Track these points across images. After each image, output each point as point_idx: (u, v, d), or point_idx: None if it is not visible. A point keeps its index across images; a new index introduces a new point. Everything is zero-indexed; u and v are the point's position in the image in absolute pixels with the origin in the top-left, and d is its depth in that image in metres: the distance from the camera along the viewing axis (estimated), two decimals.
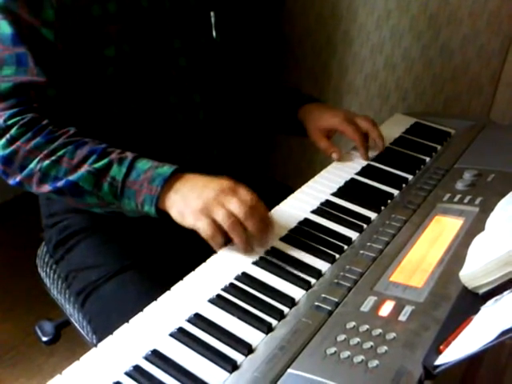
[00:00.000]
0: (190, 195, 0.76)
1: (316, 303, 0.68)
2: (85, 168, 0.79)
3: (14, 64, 0.82)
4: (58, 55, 0.85)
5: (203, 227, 0.74)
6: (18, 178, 0.81)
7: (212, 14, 1.04)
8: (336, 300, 0.68)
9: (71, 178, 0.79)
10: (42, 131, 0.80)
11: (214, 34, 1.06)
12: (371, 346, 0.59)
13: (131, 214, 0.82)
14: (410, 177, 0.99)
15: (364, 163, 1.04)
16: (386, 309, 0.65)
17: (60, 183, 0.79)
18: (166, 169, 0.79)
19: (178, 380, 0.58)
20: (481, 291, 0.63)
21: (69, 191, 0.80)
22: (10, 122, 0.80)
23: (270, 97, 1.17)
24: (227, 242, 0.78)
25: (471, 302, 0.62)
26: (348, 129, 1.04)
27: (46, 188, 0.80)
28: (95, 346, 0.63)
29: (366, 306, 0.66)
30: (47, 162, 0.79)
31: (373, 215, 0.87)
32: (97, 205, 0.82)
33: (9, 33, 0.81)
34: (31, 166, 0.79)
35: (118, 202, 0.79)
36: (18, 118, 0.80)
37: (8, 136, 0.80)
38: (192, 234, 0.80)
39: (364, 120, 1.06)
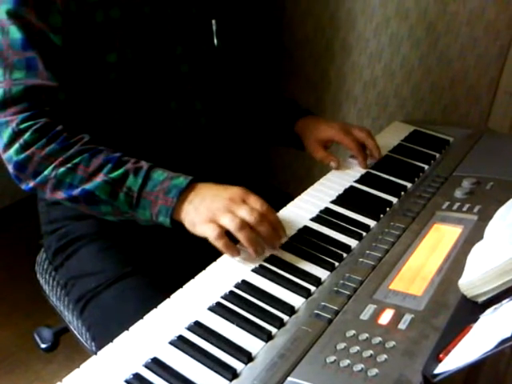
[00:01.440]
0: (202, 205, 0.78)
1: (316, 311, 0.68)
2: (101, 177, 0.79)
3: (24, 68, 0.82)
4: (66, 60, 0.86)
5: (210, 233, 0.75)
6: (30, 184, 0.82)
7: (213, 21, 1.05)
8: (336, 308, 0.68)
9: (87, 186, 0.80)
10: (57, 138, 0.81)
11: (215, 41, 1.06)
12: (371, 355, 0.59)
13: (144, 222, 0.83)
14: (408, 185, 0.99)
15: (363, 171, 1.04)
16: (386, 317, 0.65)
17: (75, 191, 0.80)
18: (182, 180, 0.80)
19: None
20: (480, 300, 0.63)
21: (84, 199, 0.81)
22: (22, 127, 0.80)
23: (268, 109, 1.18)
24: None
25: (470, 310, 0.63)
26: (345, 138, 1.05)
27: (61, 195, 0.81)
28: (94, 353, 0.63)
29: (365, 315, 0.66)
30: (62, 169, 0.80)
31: (372, 223, 0.87)
32: (110, 213, 0.83)
33: (18, 37, 0.82)
34: (46, 172, 0.80)
35: (132, 211, 0.80)
36: (30, 123, 0.80)
37: (21, 141, 0.80)
38: (192, 241, 0.80)
39: (360, 130, 1.07)
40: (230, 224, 0.75)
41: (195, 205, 0.78)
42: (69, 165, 0.80)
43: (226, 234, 0.77)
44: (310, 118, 1.13)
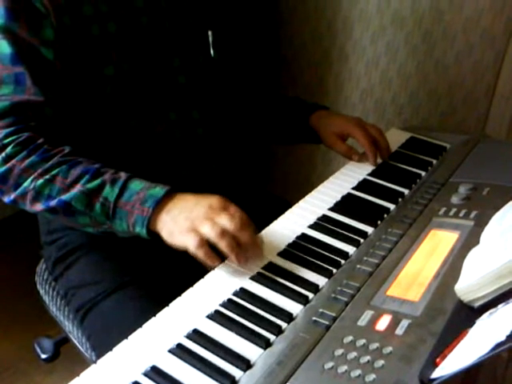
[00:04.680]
0: (180, 215, 0.76)
1: (314, 318, 0.68)
2: (77, 188, 0.79)
3: (13, 83, 0.83)
4: (57, 74, 0.87)
5: (190, 242, 0.74)
6: (12, 196, 0.81)
7: (210, 32, 1.06)
8: (333, 315, 0.68)
9: (64, 197, 0.79)
10: (37, 150, 0.81)
11: (211, 52, 1.07)
12: (368, 361, 0.60)
13: (123, 234, 0.82)
14: (406, 191, 1.00)
15: (360, 178, 1.05)
16: (383, 323, 0.65)
17: (53, 202, 0.79)
18: (159, 190, 0.79)
19: None
20: (476, 304, 0.64)
21: (61, 210, 0.80)
22: (6, 141, 0.80)
23: (276, 108, 1.19)
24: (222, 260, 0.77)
25: (467, 315, 0.63)
26: (359, 134, 1.08)
27: (39, 207, 0.80)
28: (94, 362, 0.64)
29: (363, 321, 0.66)
30: (41, 180, 0.79)
31: (369, 229, 0.88)
32: (89, 225, 0.82)
33: (8, 52, 0.83)
34: (25, 184, 0.80)
35: (109, 222, 0.79)
36: (14, 137, 0.81)
37: (3, 154, 0.80)
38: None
39: (374, 128, 1.11)
40: (210, 232, 0.73)
41: (173, 215, 0.77)
42: (47, 176, 0.79)
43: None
44: (324, 112, 1.16)
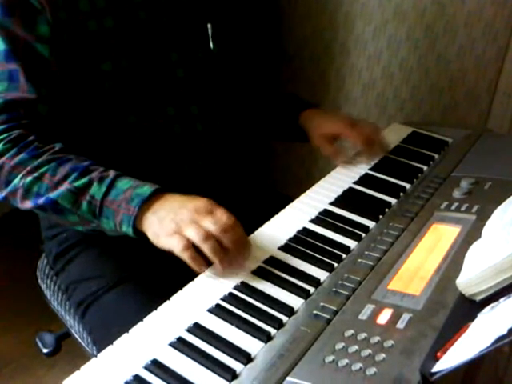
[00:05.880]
0: (166, 217, 0.75)
1: (314, 312, 0.68)
2: (65, 186, 0.78)
3: (6, 80, 0.82)
4: (52, 71, 0.86)
5: (175, 245, 0.73)
6: (3, 193, 0.81)
7: (209, 25, 1.05)
8: (334, 308, 0.68)
9: (51, 195, 0.78)
10: (28, 147, 0.80)
11: (211, 45, 1.07)
12: (369, 354, 0.59)
13: (111, 233, 0.81)
14: (407, 185, 0.99)
15: (362, 172, 1.04)
16: (384, 317, 0.65)
17: (41, 200, 0.79)
18: (146, 189, 0.78)
19: None
20: (478, 298, 0.63)
21: (50, 208, 0.80)
22: None
23: (269, 104, 1.18)
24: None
25: (468, 309, 0.63)
26: (352, 133, 1.05)
27: (29, 204, 0.80)
28: (95, 356, 0.64)
29: (364, 314, 0.66)
30: (30, 178, 0.79)
31: (371, 224, 0.88)
32: (78, 223, 0.82)
33: (2, 49, 0.82)
34: (15, 181, 0.79)
35: (97, 220, 0.79)
36: (5, 135, 0.80)
37: None
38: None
39: (367, 125, 1.08)
40: (194, 236, 0.72)
41: (159, 216, 0.76)
42: (36, 174, 0.79)
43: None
44: (315, 111, 1.13)
